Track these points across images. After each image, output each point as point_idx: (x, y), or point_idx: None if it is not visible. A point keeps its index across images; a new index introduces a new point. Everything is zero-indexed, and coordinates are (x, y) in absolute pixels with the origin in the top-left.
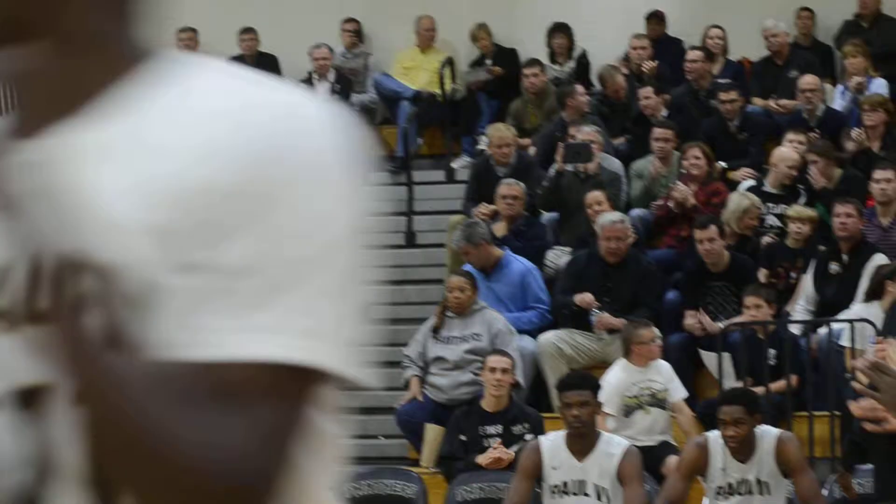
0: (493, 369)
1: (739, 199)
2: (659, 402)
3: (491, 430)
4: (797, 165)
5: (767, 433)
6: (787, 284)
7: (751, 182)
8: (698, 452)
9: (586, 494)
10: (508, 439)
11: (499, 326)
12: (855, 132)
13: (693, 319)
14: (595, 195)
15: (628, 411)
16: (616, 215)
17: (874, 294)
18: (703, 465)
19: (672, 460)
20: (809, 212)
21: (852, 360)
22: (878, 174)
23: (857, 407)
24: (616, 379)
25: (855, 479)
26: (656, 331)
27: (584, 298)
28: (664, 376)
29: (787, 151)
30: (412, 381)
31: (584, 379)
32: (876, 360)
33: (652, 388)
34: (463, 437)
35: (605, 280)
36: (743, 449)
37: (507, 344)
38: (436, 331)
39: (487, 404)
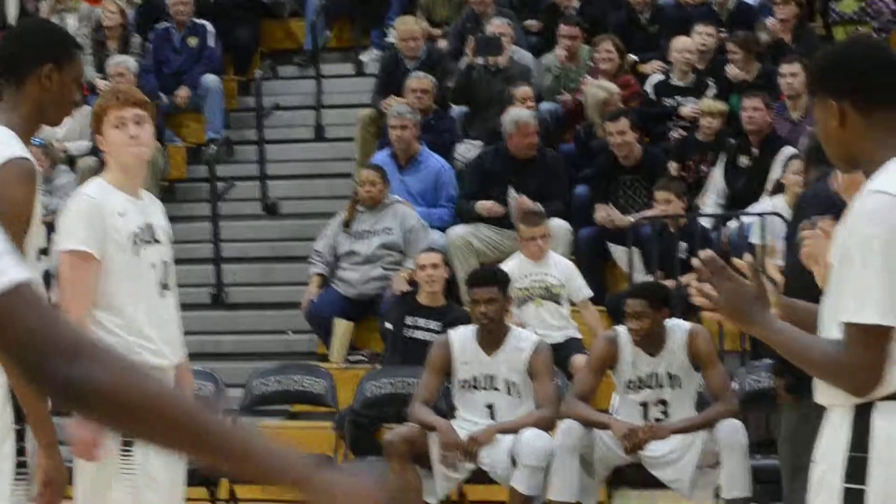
0: (422, 266)
1: (595, 91)
2: (553, 296)
3: (422, 322)
4: (706, 58)
5: (678, 327)
6: (698, 178)
7: (659, 76)
8: (608, 346)
9: (496, 389)
10: None
11: (412, 222)
12: (770, 21)
13: (603, 213)
14: (525, 90)
15: (519, 302)
16: (525, 111)
17: (781, 187)
18: (612, 359)
19: (578, 358)
20: (720, 105)
21: (695, 258)
22: (785, 68)
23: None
24: (508, 269)
25: (756, 374)
26: (548, 227)
27: (486, 206)
28: (562, 273)
29: (687, 42)
30: (313, 279)
31: (493, 274)
32: (717, 259)
33: (546, 282)
34: (389, 326)
35: (512, 176)
36: (651, 342)
37: (421, 240)
38: (347, 225)
39: (422, 298)
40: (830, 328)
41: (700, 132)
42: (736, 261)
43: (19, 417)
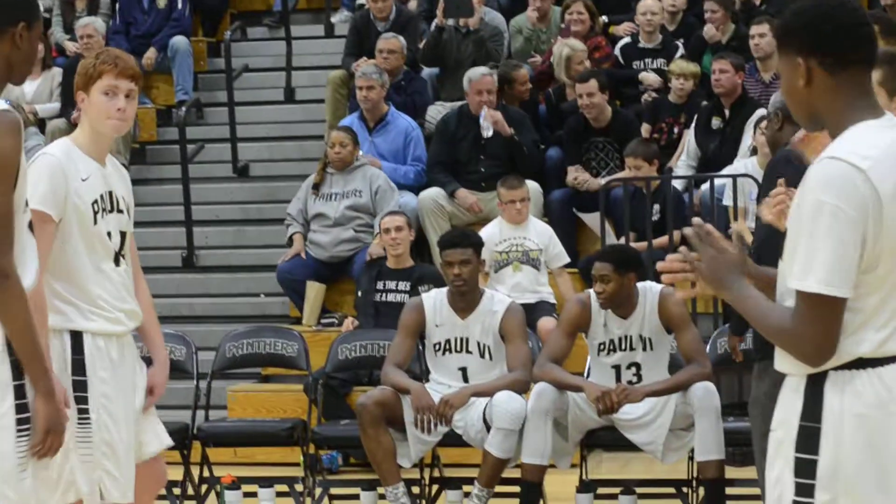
0: (386, 230)
1: (559, 49)
2: (532, 261)
3: (392, 285)
4: (676, 19)
5: (650, 289)
6: (671, 140)
7: (626, 39)
8: (579, 309)
9: (469, 352)
10: None
11: (380, 183)
12: None
13: (573, 176)
14: (523, 73)
15: (497, 266)
16: (484, 69)
17: (755, 150)
18: (584, 322)
19: (546, 321)
20: (691, 66)
21: (686, 228)
22: (754, 29)
23: (663, 266)
24: (488, 233)
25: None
26: (528, 191)
27: (467, 202)
28: (541, 238)
29: (651, 3)
30: (295, 238)
31: (466, 236)
32: (706, 227)
33: (525, 247)
34: (359, 292)
35: (478, 137)
36: (621, 305)
37: (389, 201)
38: (316, 187)
39: (390, 262)
40: (787, 295)
41: (672, 94)
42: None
43: (18, 373)
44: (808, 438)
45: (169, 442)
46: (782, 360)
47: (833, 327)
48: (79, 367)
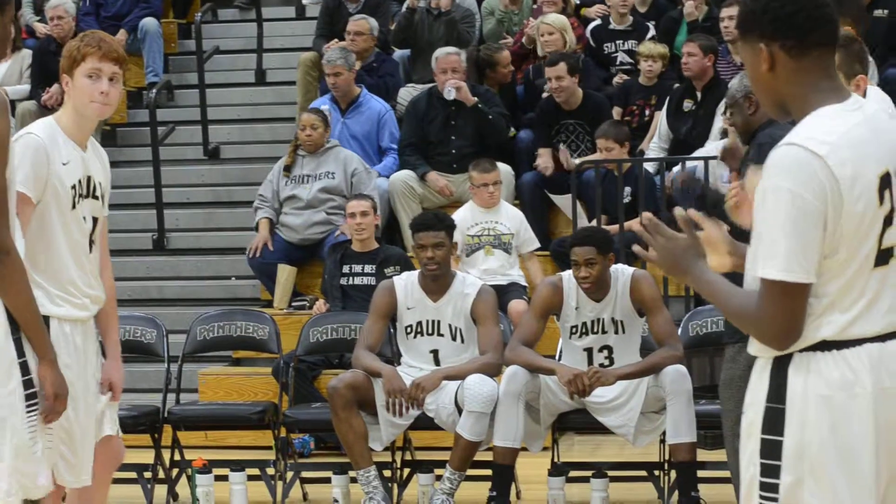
0: (352, 214)
1: (537, 25)
2: (503, 244)
3: (358, 268)
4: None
5: (622, 272)
6: (642, 122)
7: (597, 21)
8: (552, 292)
9: (440, 334)
10: (381, 280)
11: (355, 166)
12: None
13: (544, 160)
14: (505, 55)
15: (469, 250)
16: (450, 48)
17: (727, 132)
18: (556, 305)
19: (516, 303)
20: (659, 48)
21: (637, 221)
22: (725, 11)
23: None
24: (459, 217)
25: (701, 319)
26: (500, 174)
27: (442, 187)
28: (513, 222)
29: None
30: (262, 224)
31: (439, 219)
32: (654, 219)
33: (497, 231)
34: (325, 276)
35: (448, 118)
36: (597, 288)
37: (365, 184)
38: (287, 169)
39: (355, 245)
40: (752, 280)
41: (642, 76)
42: (676, 212)
43: (20, 351)
44: (774, 420)
45: (120, 431)
46: (752, 343)
47: (796, 313)
48: None
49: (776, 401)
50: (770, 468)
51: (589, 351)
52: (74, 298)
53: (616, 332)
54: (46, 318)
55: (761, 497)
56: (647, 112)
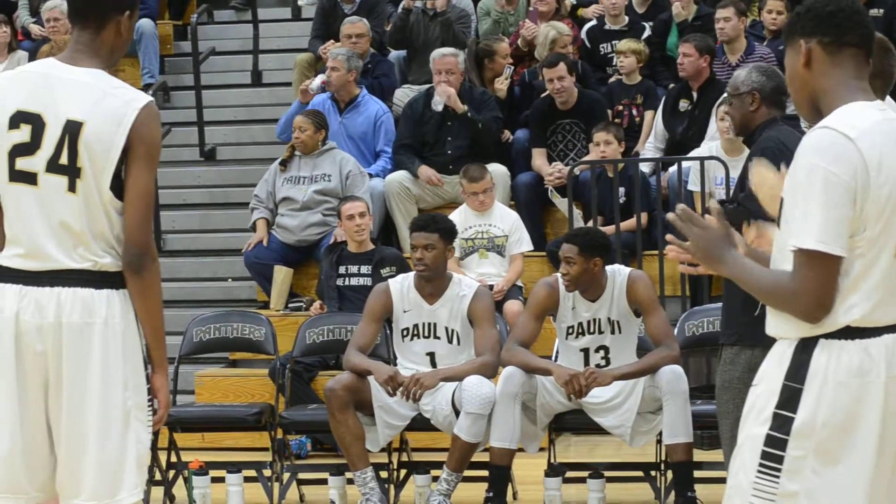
0: (350, 216)
1: (546, 31)
2: (497, 247)
3: (354, 269)
4: (645, 2)
5: (619, 273)
6: (632, 123)
7: (593, 21)
8: (547, 292)
9: (437, 337)
10: (378, 281)
11: (350, 168)
12: None
13: (541, 159)
14: (504, 46)
15: (464, 254)
16: (447, 49)
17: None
18: (552, 306)
19: (512, 304)
20: (632, 44)
21: (668, 214)
22: (719, 13)
23: (669, 249)
24: (454, 221)
25: (697, 320)
26: (490, 179)
27: (430, 177)
28: (507, 224)
29: None
30: (259, 224)
31: (434, 221)
32: (688, 210)
33: (490, 233)
34: (321, 277)
35: (444, 119)
36: (589, 288)
37: (359, 186)
38: (284, 164)
39: (352, 247)
40: (782, 260)
41: (623, 75)
42: (711, 204)
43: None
44: (790, 397)
45: None
46: (774, 325)
47: (830, 283)
48: None
49: (795, 380)
50: (776, 440)
51: (585, 351)
52: None
53: (612, 333)
54: None
55: (761, 465)
56: (634, 112)
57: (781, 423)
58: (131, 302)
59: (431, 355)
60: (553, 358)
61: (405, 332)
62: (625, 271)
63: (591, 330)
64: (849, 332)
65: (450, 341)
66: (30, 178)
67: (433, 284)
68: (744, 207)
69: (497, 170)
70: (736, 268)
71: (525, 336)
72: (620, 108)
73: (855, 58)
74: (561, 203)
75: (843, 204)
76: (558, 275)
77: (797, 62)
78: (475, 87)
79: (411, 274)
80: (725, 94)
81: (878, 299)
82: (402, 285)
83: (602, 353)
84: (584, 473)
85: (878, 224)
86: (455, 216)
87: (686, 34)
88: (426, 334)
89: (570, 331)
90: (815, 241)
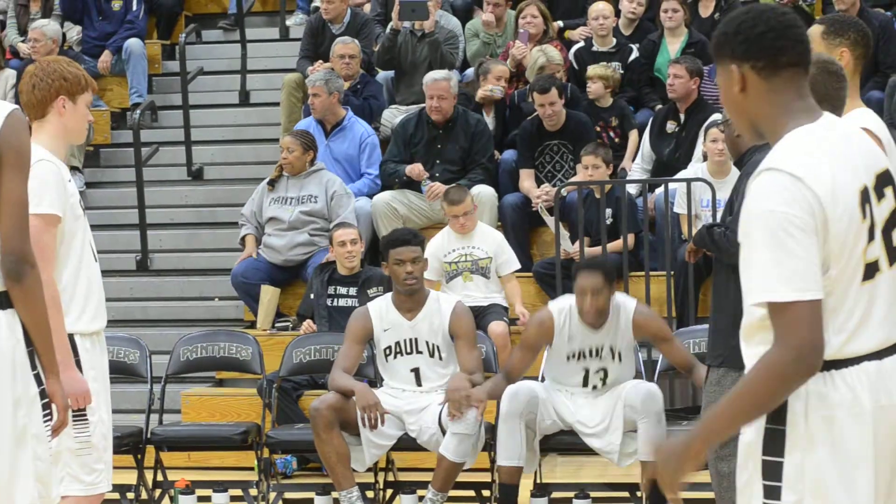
0: (342, 243)
1: (536, 56)
2: (481, 269)
3: (343, 290)
4: (633, 25)
5: (624, 306)
6: (614, 143)
7: (580, 43)
8: (540, 331)
9: (419, 352)
10: (364, 302)
11: (335, 188)
12: None
13: (529, 181)
14: (501, 69)
15: (448, 277)
16: (440, 73)
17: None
18: (546, 341)
19: (496, 325)
20: (599, 69)
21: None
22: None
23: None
24: (436, 244)
25: (683, 340)
26: (471, 202)
27: (414, 169)
28: (491, 246)
29: (602, 7)
30: (247, 240)
31: (413, 234)
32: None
33: (474, 255)
34: (311, 295)
35: (434, 141)
36: (598, 317)
37: (344, 207)
38: (272, 183)
39: (341, 269)
40: (746, 310)
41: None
42: None
43: (34, 363)
44: (774, 440)
45: None
46: (749, 364)
47: (818, 325)
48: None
49: (777, 422)
50: (772, 489)
51: (586, 370)
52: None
53: (613, 360)
54: (71, 336)
55: None
56: (612, 134)
57: (773, 470)
58: (17, 313)
59: (416, 371)
60: (541, 369)
61: (388, 351)
62: (630, 304)
63: (592, 355)
64: (825, 365)
65: (432, 356)
66: None
67: (413, 299)
68: (731, 231)
69: (484, 191)
70: (706, 431)
71: (517, 367)
72: (598, 129)
73: (793, 78)
74: (550, 220)
75: (810, 244)
76: (550, 310)
77: (731, 88)
78: (471, 114)
79: (388, 294)
80: (714, 117)
81: (851, 331)
82: (380, 307)
83: (601, 374)
84: (571, 494)
85: (841, 261)
86: (437, 239)
87: (681, 56)
88: (408, 350)
89: (570, 356)
90: (796, 290)
